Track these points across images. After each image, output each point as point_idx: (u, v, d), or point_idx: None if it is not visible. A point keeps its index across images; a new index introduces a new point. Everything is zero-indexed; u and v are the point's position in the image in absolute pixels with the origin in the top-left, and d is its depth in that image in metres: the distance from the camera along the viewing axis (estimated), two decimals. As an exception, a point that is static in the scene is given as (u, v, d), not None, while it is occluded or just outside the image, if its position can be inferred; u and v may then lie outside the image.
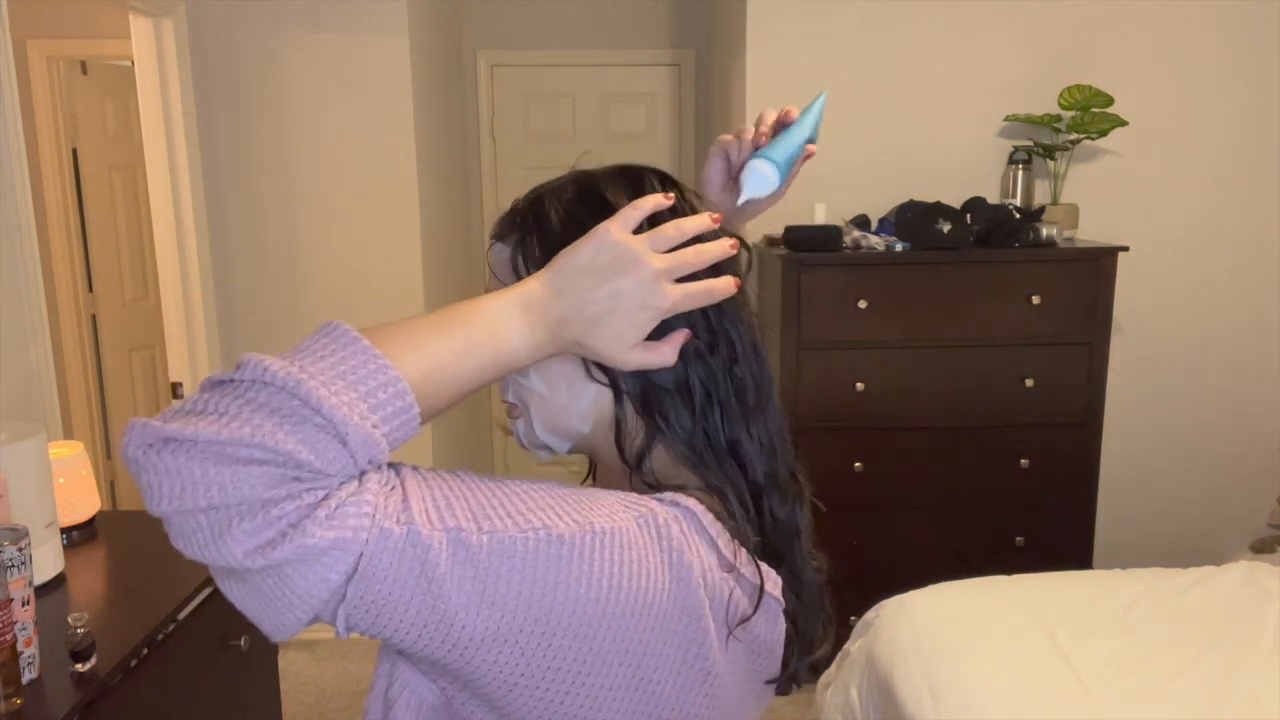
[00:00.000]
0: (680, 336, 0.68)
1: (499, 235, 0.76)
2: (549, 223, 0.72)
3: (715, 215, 0.68)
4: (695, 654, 0.64)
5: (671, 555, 0.63)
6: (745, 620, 0.67)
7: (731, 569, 0.67)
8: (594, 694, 0.61)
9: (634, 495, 0.66)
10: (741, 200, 0.83)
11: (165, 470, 0.53)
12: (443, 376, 0.60)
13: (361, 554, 0.54)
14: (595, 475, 0.83)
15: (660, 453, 0.73)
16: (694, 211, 0.72)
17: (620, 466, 0.74)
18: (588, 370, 0.72)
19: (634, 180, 0.74)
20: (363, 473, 0.56)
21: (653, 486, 0.70)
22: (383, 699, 0.67)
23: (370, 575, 0.54)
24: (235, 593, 0.55)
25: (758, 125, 0.89)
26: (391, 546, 0.55)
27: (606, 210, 0.70)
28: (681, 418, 0.71)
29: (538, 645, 0.58)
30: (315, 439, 0.53)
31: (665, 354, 0.67)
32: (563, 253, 0.66)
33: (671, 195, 0.69)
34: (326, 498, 0.53)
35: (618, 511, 0.63)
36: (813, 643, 0.77)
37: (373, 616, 0.55)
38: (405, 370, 0.58)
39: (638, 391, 0.71)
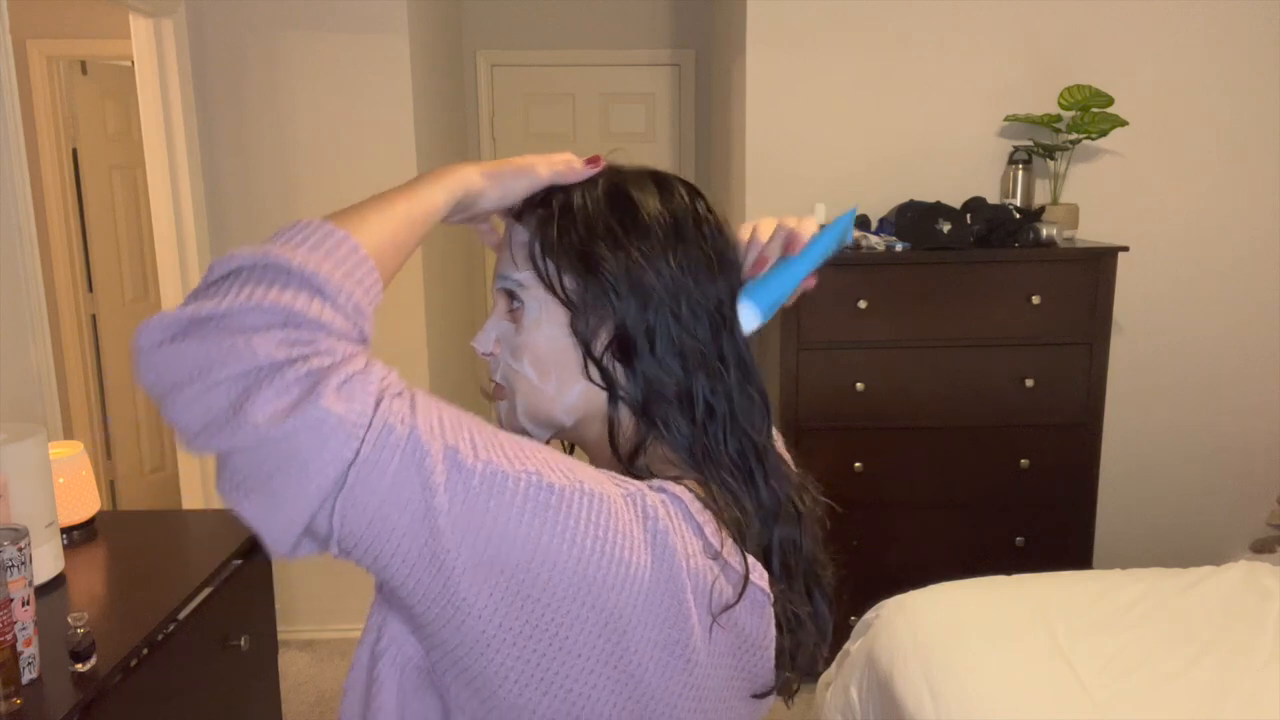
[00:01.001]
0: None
1: (520, 214, 0.77)
2: (573, 212, 0.74)
3: (594, 158, 0.78)
4: (676, 638, 0.64)
5: (655, 535, 0.63)
6: (729, 608, 0.66)
7: (716, 556, 0.66)
8: (571, 664, 0.60)
9: (623, 476, 0.67)
10: None
11: (184, 354, 0.56)
12: (395, 251, 0.67)
13: (364, 439, 0.56)
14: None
15: (654, 449, 0.73)
16: (716, 220, 0.78)
17: (609, 456, 0.75)
18: (585, 370, 0.73)
19: (661, 183, 0.77)
20: (364, 340, 0.60)
21: (640, 477, 0.70)
22: (370, 651, 0.68)
23: (371, 464, 0.56)
24: (241, 497, 0.57)
25: (754, 239, 0.87)
26: (394, 442, 0.56)
27: (631, 209, 0.73)
28: (680, 425, 0.72)
29: (515, 593, 0.58)
30: (302, 294, 0.57)
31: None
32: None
33: (599, 161, 0.78)
34: (336, 365, 0.57)
35: (606, 483, 0.64)
36: (809, 664, 0.78)
37: (367, 520, 0.56)
38: (362, 239, 0.63)
39: (639, 398, 0.72)
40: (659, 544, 0.63)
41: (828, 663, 2.38)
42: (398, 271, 0.69)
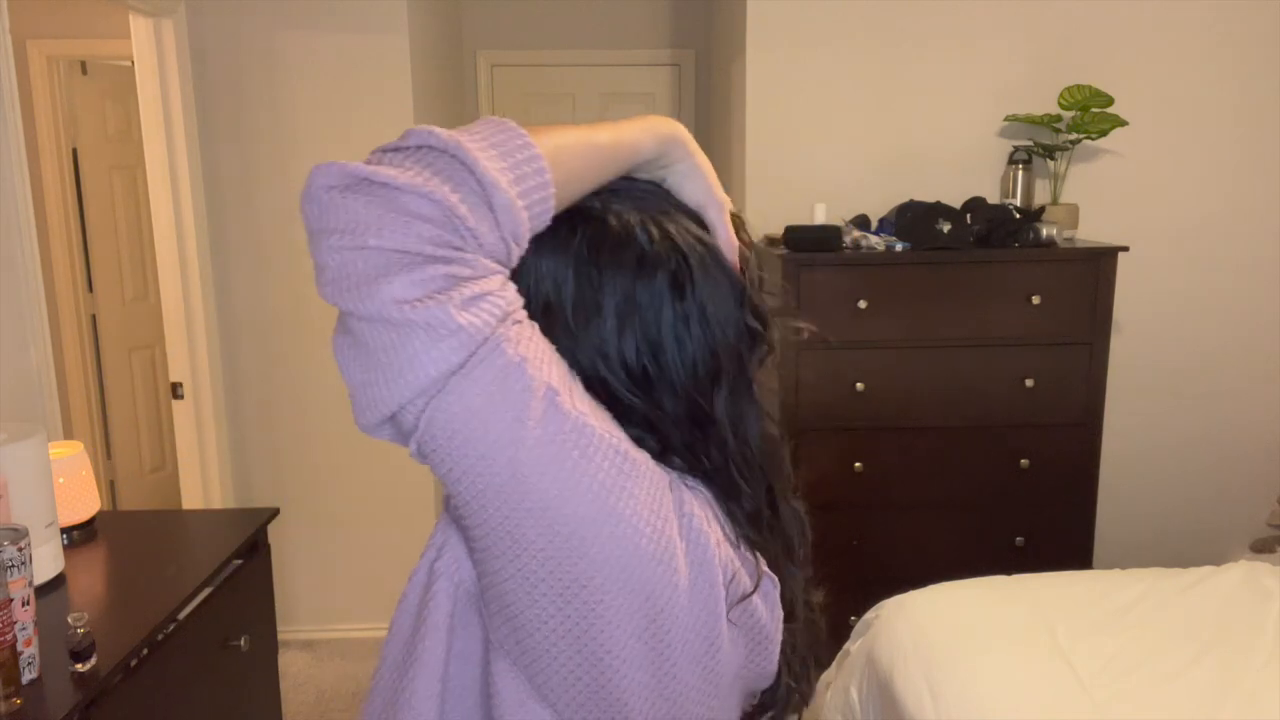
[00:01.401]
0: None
1: None
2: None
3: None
4: (708, 622, 0.66)
5: (692, 520, 0.65)
6: (747, 596, 0.69)
7: (736, 547, 0.69)
8: (606, 629, 0.61)
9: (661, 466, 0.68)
10: None
11: (345, 208, 0.57)
12: (585, 174, 0.66)
13: (474, 353, 0.57)
14: None
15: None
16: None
17: None
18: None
19: None
20: (510, 255, 0.60)
21: None
22: (429, 568, 0.69)
23: (473, 378, 0.57)
24: (348, 356, 0.59)
25: None
26: (501, 364, 0.57)
27: (664, 210, 0.72)
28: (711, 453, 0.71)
29: (574, 547, 0.59)
30: (471, 200, 0.58)
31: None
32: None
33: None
34: (475, 278, 0.57)
35: (659, 470, 0.65)
36: (802, 687, 0.79)
37: (451, 430, 0.57)
38: (554, 160, 0.62)
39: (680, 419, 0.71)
40: (695, 531, 0.65)
41: (827, 663, 2.38)
42: (575, 200, 0.69)
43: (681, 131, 0.72)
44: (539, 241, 0.65)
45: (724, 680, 0.69)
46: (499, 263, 0.60)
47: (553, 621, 0.61)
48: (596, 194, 0.70)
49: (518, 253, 0.61)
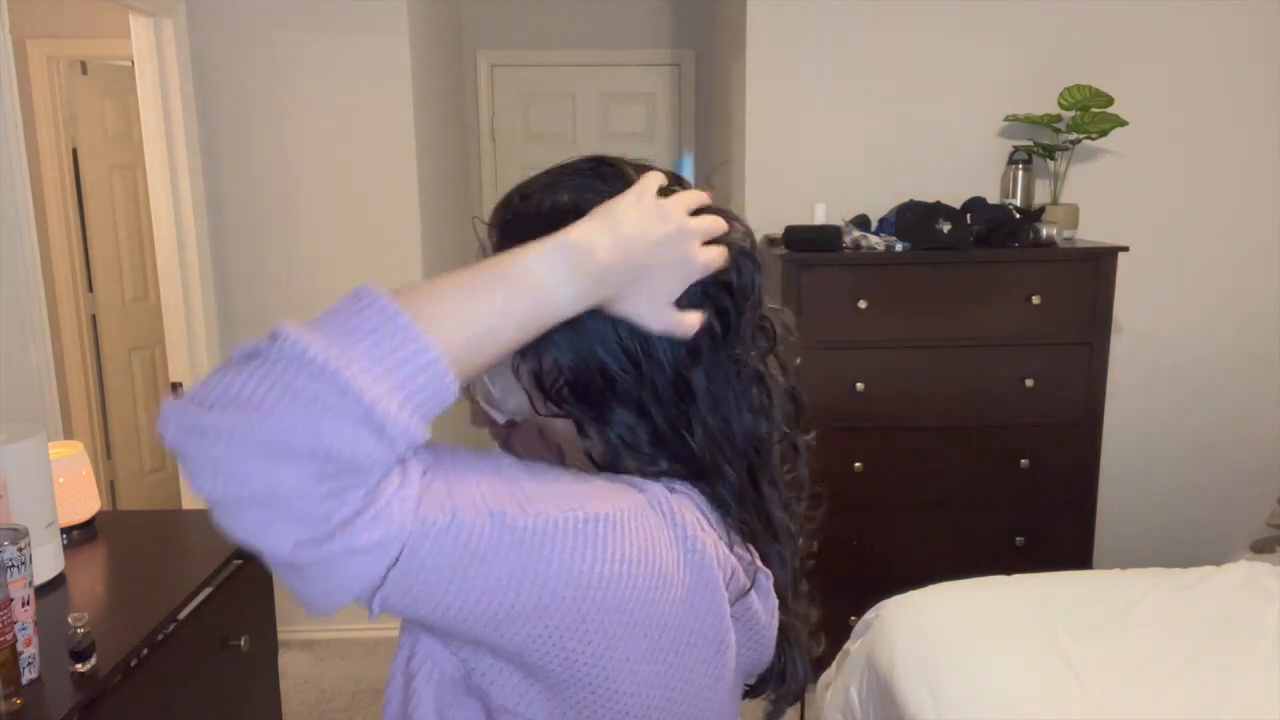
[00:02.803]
0: (697, 316, 0.67)
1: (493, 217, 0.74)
2: (515, 221, 0.71)
3: (706, 190, 0.70)
4: (714, 625, 0.66)
5: (685, 529, 0.65)
6: (745, 593, 0.69)
7: (732, 547, 0.69)
8: (619, 665, 0.62)
9: (638, 479, 0.67)
10: None
11: (206, 459, 0.52)
12: (482, 341, 0.59)
13: (404, 545, 0.54)
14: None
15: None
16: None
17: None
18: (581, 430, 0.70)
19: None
20: (402, 460, 0.55)
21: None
22: (404, 669, 0.68)
23: (411, 563, 0.55)
24: (279, 572, 0.56)
25: None
26: (434, 534, 0.55)
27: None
28: (624, 430, 0.70)
29: (573, 620, 0.59)
30: (355, 434, 0.52)
31: (693, 320, 0.67)
32: (600, 207, 0.65)
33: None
34: (373, 497, 0.53)
35: (630, 492, 0.65)
36: (793, 688, 0.79)
37: (410, 599, 0.56)
38: (445, 340, 0.56)
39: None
40: (690, 539, 0.65)
41: (827, 663, 2.37)
42: (490, 367, 0.62)
43: (596, 251, 0.62)
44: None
45: (731, 675, 0.70)
46: (399, 459, 0.55)
47: (562, 671, 0.61)
48: (583, 188, 0.69)
49: (420, 435, 0.55)
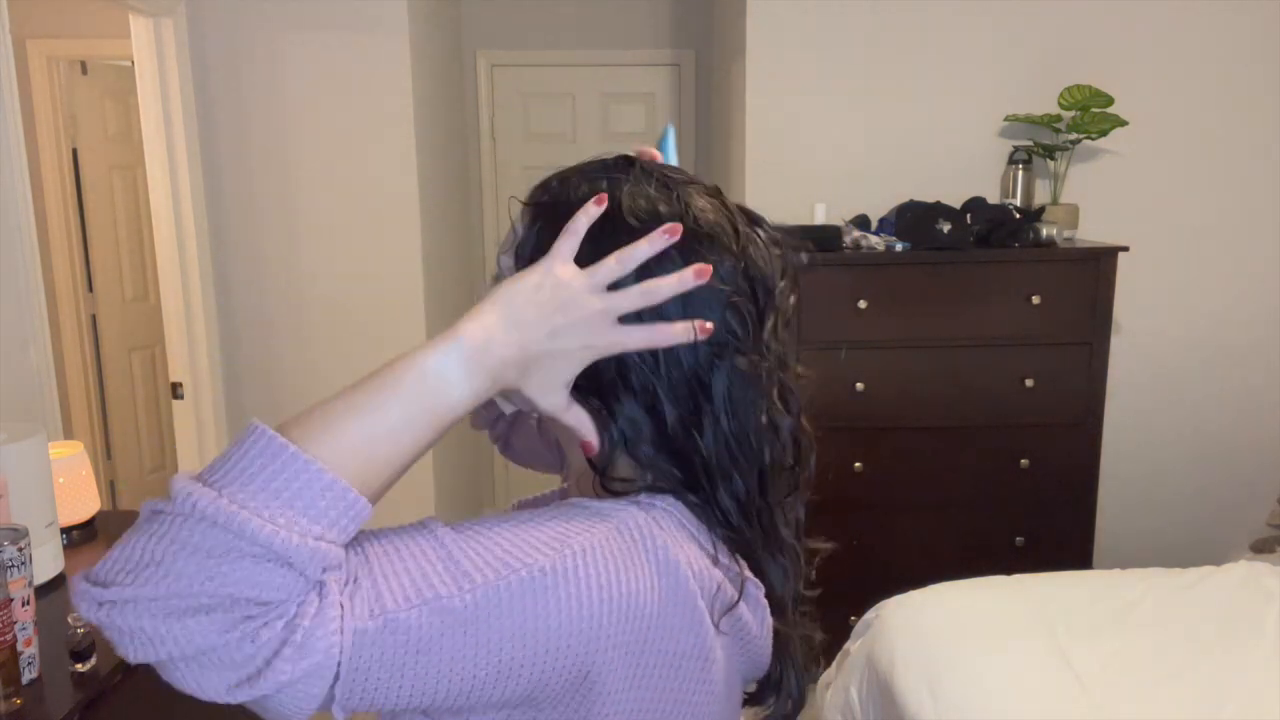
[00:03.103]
0: (590, 431, 0.67)
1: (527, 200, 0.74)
2: (554, 207, 0.70)
3: (671, 227, 0.66)
4: (694, 643, 0.65)
5: (657, 554, 0.63)
6: (732, 607, 0.68)
7: (715, 561, 0.67)
8: (601, 699, 0.62)
9: (609, 503, 0.66)
10: None
11: (122, 629, 0.53)
12: (382, 457, 0.59)
13: (340, 663, 0.54)
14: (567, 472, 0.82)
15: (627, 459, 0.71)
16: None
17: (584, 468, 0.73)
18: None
19: (665, 184, 0.71)
20: (320, 582, 0.55)
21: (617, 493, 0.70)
22: None
23: (354, 672, 0.55)
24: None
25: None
26: (369, 642, 0.55)
27: (613, 211, 0.67)
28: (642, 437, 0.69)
29: (542, 671, 0.59)
30: (255, 572, 0.52)
31: (577, 416, 0.67)
32: (503, 285, 0.64)
33: (604, 199, 0.67)
34: (290, 630, 0.53)
35: (594, 524, 0.63)
36: (788, 706, 0.78)
37: (368, 700, 0.56)
38: (342, 465, 0.56)
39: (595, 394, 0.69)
40: (662, 562, 0.63)
41: (826, 663, 2.37)
42: (404, 472, 0.62)
43: (489, 342, 0.62)
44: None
45: (721, 687, 0.70)
46: (313, 580, 0.55)
47: (547, 714, 0.62)
48: (615, 185, 0.68)
49: (333, 556, 0.55)
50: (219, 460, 0.57)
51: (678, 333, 0.65)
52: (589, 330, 0.64)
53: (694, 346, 0.67)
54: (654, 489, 0.69)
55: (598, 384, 0.68)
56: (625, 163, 0.72)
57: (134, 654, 0.53)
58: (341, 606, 0.55)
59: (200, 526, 0.53)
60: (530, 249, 0.70)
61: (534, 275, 0.64)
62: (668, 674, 0.64)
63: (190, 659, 0.53)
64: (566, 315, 0.63)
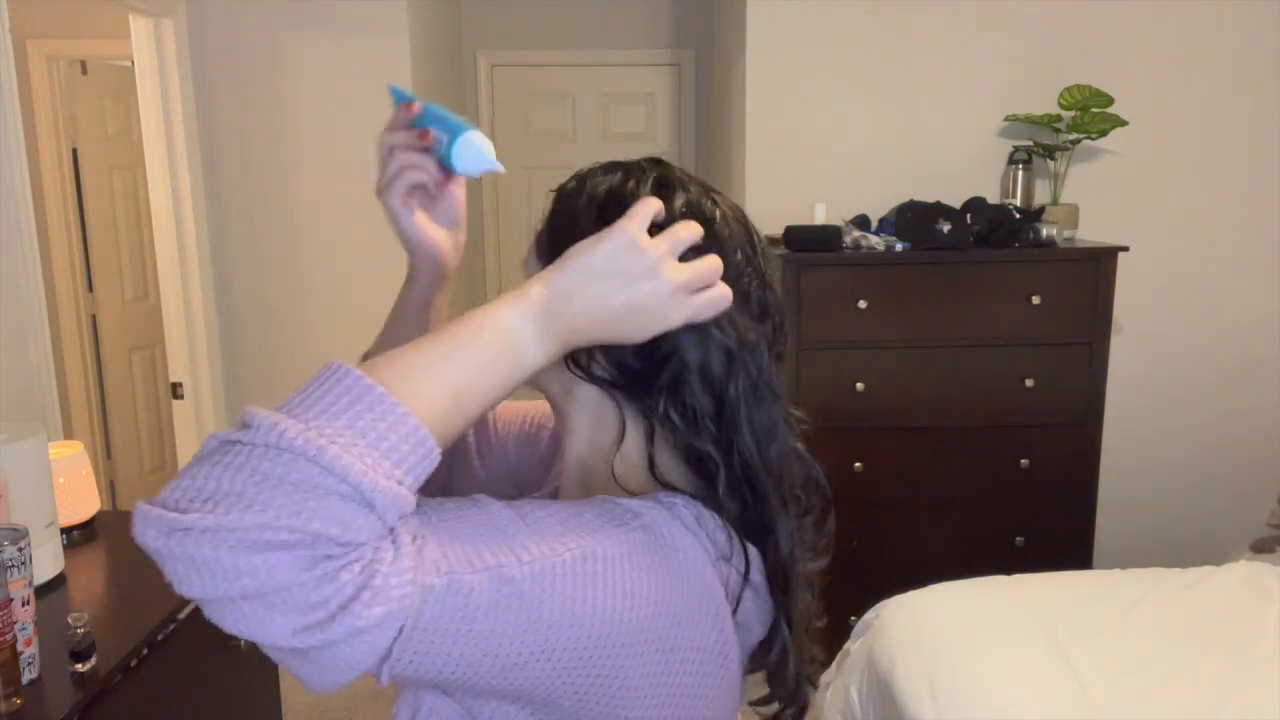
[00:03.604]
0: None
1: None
2: (564, 206, 0.74)
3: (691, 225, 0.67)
4: (718, 638, 0.66)
5: (685, 552, 0.65)
6: (739, 599, 0.69)
7: (729, 558, 0.69)
8: (628, 692, 0.62)
9: (635, 501, 0.67)
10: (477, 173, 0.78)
11: (191, 560, 0.51)
12: (461, 405, 0.59)
13: (404, 621, 0.53)
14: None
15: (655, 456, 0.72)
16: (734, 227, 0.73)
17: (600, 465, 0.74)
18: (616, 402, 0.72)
19: (665, 185, 0.72)
20: (392, 530, 0.54)
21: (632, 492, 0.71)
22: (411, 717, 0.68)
23: (414, 631, 0.54)
24: (279, 658, 0.55)
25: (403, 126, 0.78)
26: (434, 600, 0.54)
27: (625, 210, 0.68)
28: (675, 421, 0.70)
29: (579, 656, 0.59)
30: (342, 511, 0.51)
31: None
32: (576, 249, 0.64)
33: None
34: (369, 574, 0.52)
35: (631, 518, 0.64)
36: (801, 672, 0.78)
37: (416, 665, 0.55)
38: (423, 410, 0.56)
39: (617, 378, 0.70)
40: (691, 560, 0.65)
41: (826, 664, 2.38)
42: (472, 421, 0.61)
43: (558, 313, 0.62)
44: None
45: (737, 680, 0.71)
46: (389, 526, 0.54)
47: (575, 702, 0.61)
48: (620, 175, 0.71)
49: (410, 503, 0.55)
50: (296, 395, 0.55)
51: (727, 293, 0.66)
52: (668, 303, 0.64)
53: (725, 349, 0.68)
54: (670, 488, 0.70)
55: (646, 372, 0.69)
56: (654, 164, 0.74)
57: (199, 587, 0.51)
58: (413, 564, 0.54)
59: (284, 458, 0.51)
60: (547, 238, 0.73)
61: (608, 242, 0.63)
62: (691, 670, 0.65)
63: (259, 597, 0.50)
64: (647, 283, 0.63)
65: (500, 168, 0.76)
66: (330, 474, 0.51)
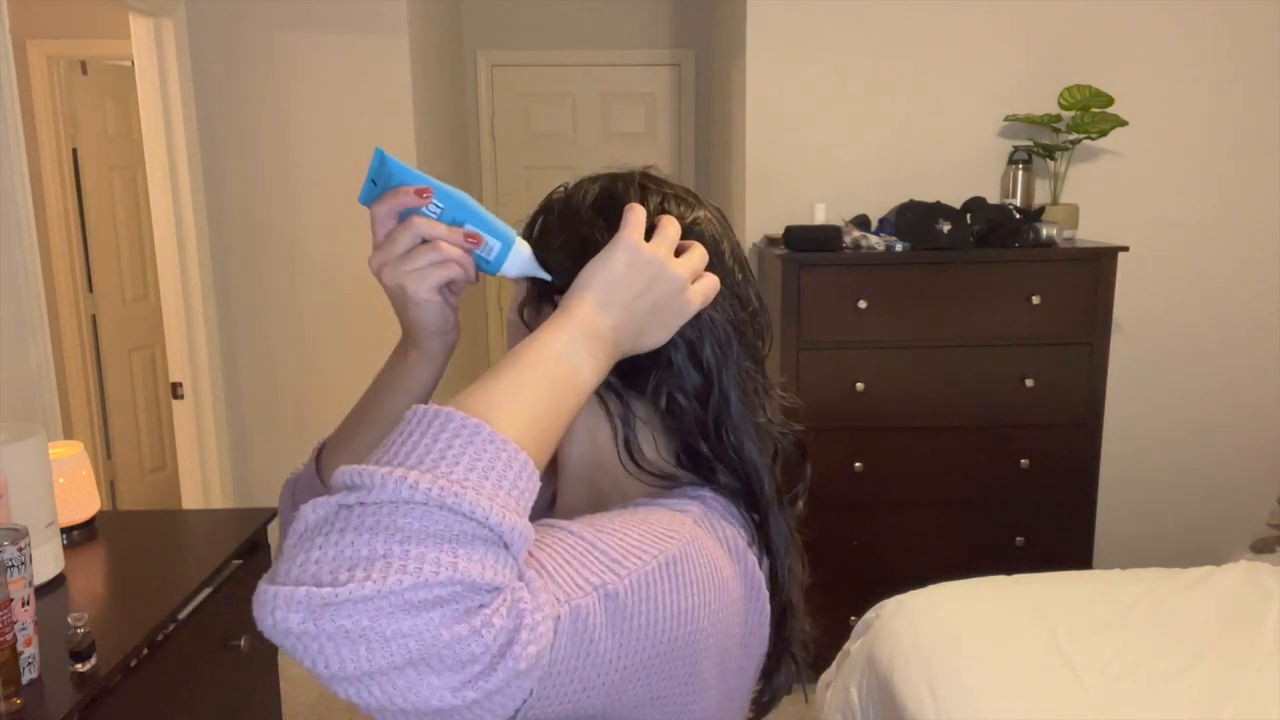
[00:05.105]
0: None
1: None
2: (555, 213, 0.76)
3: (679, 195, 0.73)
4: (757, 622, 0.70)
5: (728, 542, 0.68)
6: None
7: (752, 543, 0.72)
8: (697, 690, 0.63)
9: (670, 499, 0.70)
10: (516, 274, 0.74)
11: (346, 635, 0.47)
12: (544, 435, 0.60)
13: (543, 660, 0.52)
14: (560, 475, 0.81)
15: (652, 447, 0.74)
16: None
17: (609, 465, 0.75)
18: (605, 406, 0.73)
19: (645, 188, 0.75)
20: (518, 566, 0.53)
21: (654, 477, 0.73)
22: None
23: (551, 665, 0.53)
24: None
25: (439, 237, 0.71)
26: (563, 630, 0.54)
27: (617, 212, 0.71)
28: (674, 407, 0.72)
29: (669, 662, 0.60)
30: (485, 555, 0.50)
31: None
32: (594, 268, 0.66)
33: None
34: (519, 615, 0.50)
35: (681, 517, 0.66)
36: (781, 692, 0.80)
37: (545, 701, 0.54)
38: (522, 444, 0.56)
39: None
40: (735, 550, 0.68)
41: (826, 663, 2.38)
42: (553, 449, 0.62)
43: (598, 327, 0.64)
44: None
45: (759, 662, 0.73)
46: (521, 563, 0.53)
47: (647, 713, 0.61)
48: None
49: (532, 535, 0.54)
50: (395, 446, 0.53)
51: (716, 280, 0.70)
52: (681, 298, 0.68)
53: (716, 342, 0.71)
54: (691, 481, 0.73)
55: (644, 369, 0.71)
56: (641, 174, 0.76)
57: (354, 662, 0.47)
58: (545, 598, 0.53)
59: (419, 511, 0.49)
60: (540, 238, 0.75)
61: (621, 254, 0.66)
62: (741, 657, 0.68)
63: (419, 661, 0.48)
64: (662, 286, 0.67)
65: (545, 274, 0.72)
66: (470, 519, 0.50)
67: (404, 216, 0.69)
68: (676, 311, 0.68)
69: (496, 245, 0.71)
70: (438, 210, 0.70)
